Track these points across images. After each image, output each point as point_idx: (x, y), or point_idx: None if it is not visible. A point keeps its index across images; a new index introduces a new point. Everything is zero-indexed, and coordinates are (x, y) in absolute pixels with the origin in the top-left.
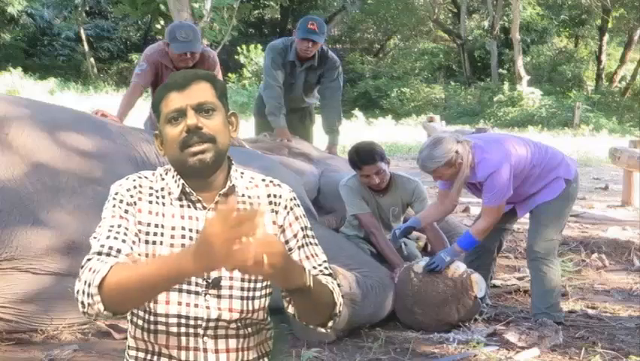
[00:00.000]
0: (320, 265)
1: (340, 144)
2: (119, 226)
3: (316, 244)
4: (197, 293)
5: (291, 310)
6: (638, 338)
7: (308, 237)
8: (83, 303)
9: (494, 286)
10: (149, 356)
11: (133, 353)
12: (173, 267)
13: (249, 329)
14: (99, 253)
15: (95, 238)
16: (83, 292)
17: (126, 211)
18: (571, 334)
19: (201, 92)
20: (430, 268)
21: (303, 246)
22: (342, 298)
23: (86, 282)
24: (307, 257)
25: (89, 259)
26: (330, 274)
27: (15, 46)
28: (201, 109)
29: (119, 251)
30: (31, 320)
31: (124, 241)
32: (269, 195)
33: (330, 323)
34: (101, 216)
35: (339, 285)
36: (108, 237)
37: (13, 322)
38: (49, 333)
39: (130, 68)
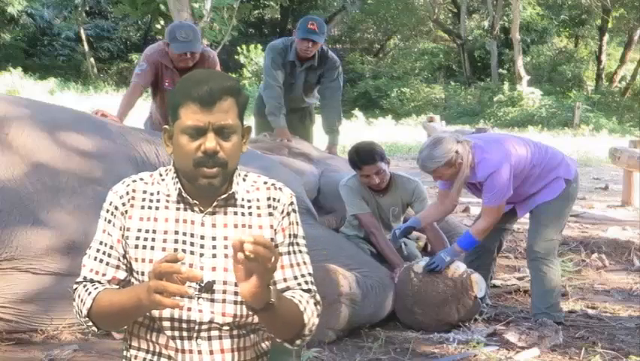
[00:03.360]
0: (303, 275)
1: (340, 144)
2: (105, 244)
3: (306, 253)
4: (189, 297)
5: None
6: (638, 338)
7: (297, 245)
8: (82, 323)
9: (494, 286)
10: (149, 356)
11: (134, 352)
12: (133, 299)
13: (244, 330)
14: (85, 279)
15: (87, 253)
16: (80, 316)
17: (114, 225)
18: (571, 334)
19: (225, 112)
20: (430, 268)
21: (289, 253)
22: (317, 318)
23: (77, 309)
24: (292, 265)
25: (78, 283)
26: (308, 290)
27: (15, 46)
28: (221, 131)
29: (104, 275)
30: (31, 320)
31: (108, 263)
32: (268, 199)
33: (297, 342)
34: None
35: (316, 303)
36: (95, 258)
37: (13, 322)
38: (49, 333)
39: (130, 68)
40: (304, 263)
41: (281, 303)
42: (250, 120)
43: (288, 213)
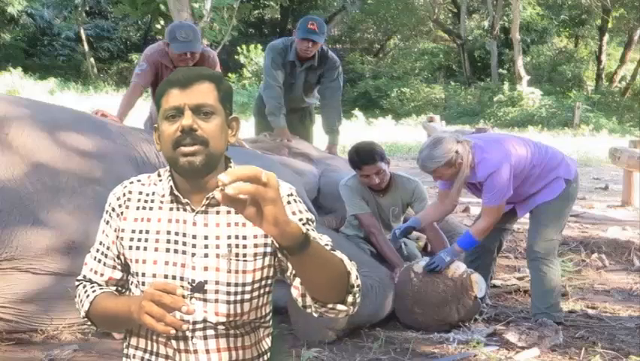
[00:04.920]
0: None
1: (340, 144)
2: (103, 245)
3: (320, 234)
4: (182, 296)
5: (300, 300)
6: (638, 338)
7: (308, 225)
8: (82, 321)
9: (494, 286)
10: (147, 356)
11: (132, 350)
12: (125, 310)
13: (241, 329)
14: (85, 278)
15: (90, 252)
16: (80, 314)
17: (110, 226)
18: (571, 334)
19: (203, 93)
20: (430, 268)
21: None
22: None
23: (78, 308)
24: None
25: (79, 282)
26: (333, 250)
27: (15, 46)
28: (199, 111)
29: (102, 275)
30: (31, 320)
31: (105, 263)
32: None
33: (349, 299)
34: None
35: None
36: (95, 257)
37: (13, 322)
38: (49, 333)
39: (130, 68)
40: (320, 239)
41: (316, 243)
42: (250, 120)
43: (288, 202)
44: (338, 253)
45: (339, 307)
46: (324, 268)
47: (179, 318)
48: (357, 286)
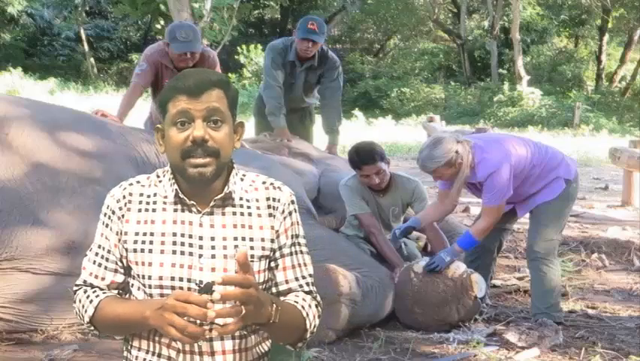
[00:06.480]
0: (304, 277)
1: (340, 144)
2: (103, 248)
3: (306, 253)
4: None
5: None
6: (638, 338)
7: (299, 245)
8: (82, 324)
9: (494, 286)
10: (149, 357)
11: (135, 352)
12: (138, 316)
13: (245, 331)
14: (85, 283)
15: (87, 255)
16: (81, 320)
17: (111, 229)
18: (571, 334)
19: (213, 102)
20: (430, 268)
21: (292, 254)
22: (319, 318)
23: (79, 314)
24: (293, 266)
25: (79, 286)
26: (310, 292)
27: (15, 46)
28: (210, 120)
29: (103, 279)
30: (31, 320)
31: (106, 267)
32: (268, 199)
33: (299, 344)
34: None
35: (317, 305)
36: (94, 262)
37: (13, 322)
38: (49, 333)
39: (130, 68)
40: (305, 264)
41: (283, 315)
42: (250, 120)
43: (290, 213)
44: (305, 308)
45: (288, 347)
46: (283, 334)
47: (187, 319)
48: (312, 333)
